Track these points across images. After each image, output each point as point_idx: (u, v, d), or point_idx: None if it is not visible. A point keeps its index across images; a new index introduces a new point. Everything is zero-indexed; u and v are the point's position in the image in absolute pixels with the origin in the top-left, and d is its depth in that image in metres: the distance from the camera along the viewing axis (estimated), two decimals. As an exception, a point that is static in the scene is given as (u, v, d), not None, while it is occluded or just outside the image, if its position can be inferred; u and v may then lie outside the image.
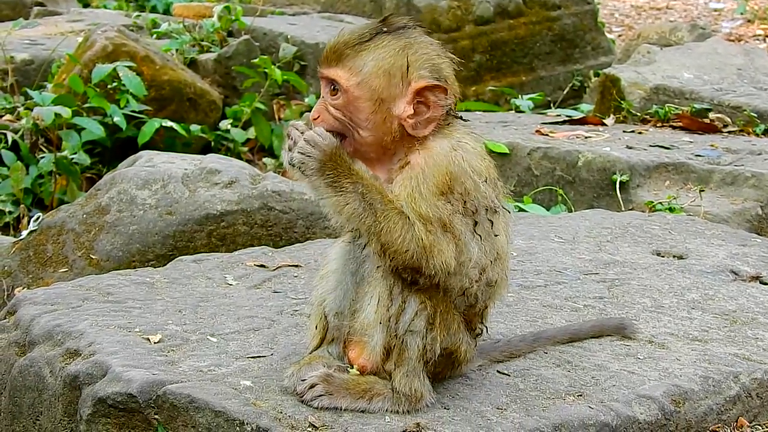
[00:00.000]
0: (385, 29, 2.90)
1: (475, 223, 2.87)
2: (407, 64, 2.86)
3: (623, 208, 5.76)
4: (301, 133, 2.88)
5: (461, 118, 2.99)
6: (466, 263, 2.87)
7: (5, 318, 3.70)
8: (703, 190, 5.72)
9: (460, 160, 2.84)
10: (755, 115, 7.15)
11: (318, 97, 2.98)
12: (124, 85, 7.60)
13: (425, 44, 2.91)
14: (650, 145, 6.46)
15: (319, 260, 4.11)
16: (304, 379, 2.93)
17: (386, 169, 2.91)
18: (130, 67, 7.73)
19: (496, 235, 2.92)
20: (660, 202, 5.66)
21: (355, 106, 2.87)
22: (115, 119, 7.38)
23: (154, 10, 15.15)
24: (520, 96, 8.78)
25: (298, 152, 2.84)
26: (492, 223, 2.91)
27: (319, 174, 2.83)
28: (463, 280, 2.89)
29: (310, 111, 9.14)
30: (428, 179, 2.81)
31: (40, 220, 5.34)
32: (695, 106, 7.24)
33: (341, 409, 2.89)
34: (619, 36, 15.24)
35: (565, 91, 9.86)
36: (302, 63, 9.44)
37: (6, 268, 5.17)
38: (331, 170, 2.82)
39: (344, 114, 2.89)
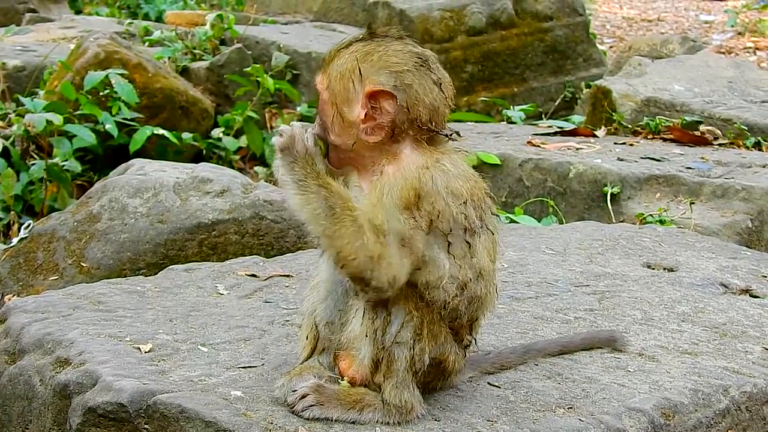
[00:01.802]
0: (361, 37, 2.93)
1: (449, 243, 2.86)
2: (359, 68, 2.86)
3: (614, 220, 5.77)
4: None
5: (451, 135, 2.95)
6: (443, 278, 2.86)
7: (-5, 326, 3.70)
8: (693, 203, 5.74)
9: (429, 179, 2.81)
10: (746, 128, 7.17)
11: (309, 105, 3.03)
12: (116, 92, 7.60)
13: (394, 52, 2.88)
14: (641, 157, 6.48)
15: (310, 270, 4.11)
16: (295, 390, 2.93)
17: (368, 179, 2.91)
18: (122, 75, 7.72)
19: (472, 257, 2.90)
20: (651, 215, 5.67)
21: (324, 109, 2.93)
22: (107, 126, 7.37)
23: (146, 17, 15.15)
24: (511, 107, 8.80)
25: (278, 146, 2.86)
26: (470, 245, 2.89)
27: (289, 169, 2.84)
28: (443, 294, 2.89)
29: (301, 120, 9.15)
30: (394, 191, 2.80)
31: (30, 227, 5.33)
32: (686, 118, 7.26)
33: (332, 420, 2.89)
34: (611, 47, 15.29)
35: (556, 103, 9.88)
36: (294, 72, 9.45)
37: (-4, 275, 5.17)
38: (300, 168, 2.82)
39: (320, 117, 2.95)
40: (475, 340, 3.10)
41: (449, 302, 2.90)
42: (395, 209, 2.78)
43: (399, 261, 2.78)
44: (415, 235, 2.80)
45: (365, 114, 2.85)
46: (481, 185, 2.95)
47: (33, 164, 6.99)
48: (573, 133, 7.43)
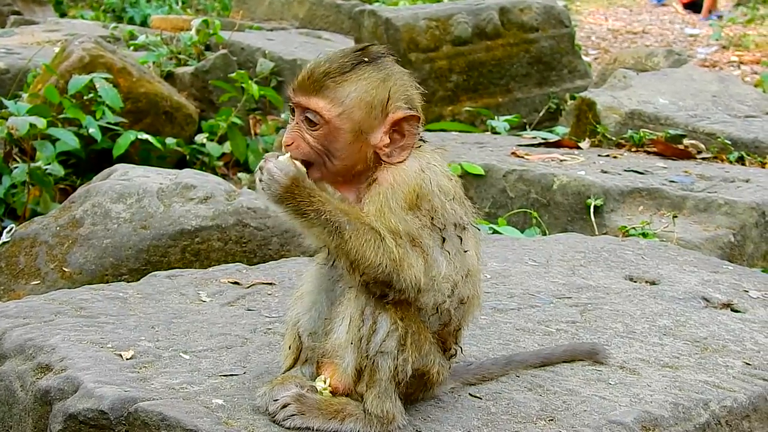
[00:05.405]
0: (365, 59, 2.91)
1: (443, 240, 2.90)
2: (388, 96, 2.88)
3: (597, 233, 5.78)
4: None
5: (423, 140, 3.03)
6: (437, 278, 2.90)
7: (-24, 330, 3.67)
8: (676, 216, 5.76)
9: (428, 181, 2.88)
10: (729, 142, 7.21)
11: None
12: (100, 96, 7.59)
13: (400, 75, 2.94)
14: (625, 170, 6.50)
15: (293, 278, 4.11)
16: (277, 399, 2.92)
17: (355, 188, 2.92)
18: (106, 79, 7.71)
19: (465, 251, 2.95)
20: (633, 227, 5.69)
21: (334, 136, 2.88)
22: (91, 131, 7.36)
23: (131, 21, 15.13)
24: (496, 117, 8.82)
25: (261, 185, 2.84)
26: (461, 240, 2.94)
27: (280, 203, 2.83)
28: (437, 296, 2.91)
29: (286, 127, 9.14)
30: (397, 194, 2.84)
31: (12, 231, 5.31)
32: (670, 131, 7.30)
33: (313, 430, 2.88)
34: (596, 59, 15.35)
35: (541, 114, 9.89)
36: (279, 79, 9.46)
37: (-23, 278, 5.14)
38: (290, 200, 2.81)
39: (321, 143, 2.89)
40: (461, 348, 3.11)
41: (442, 304, 2.92)
42: (402, 211, 2.83)
43: (416, 261, 2.83)
44: (423, 233, 2.85)
45: (389, 139, 2.88)
46: (458, 183, 3.02)
47: (16, 167, 6.96)
48: (557, 144, 7.45)
